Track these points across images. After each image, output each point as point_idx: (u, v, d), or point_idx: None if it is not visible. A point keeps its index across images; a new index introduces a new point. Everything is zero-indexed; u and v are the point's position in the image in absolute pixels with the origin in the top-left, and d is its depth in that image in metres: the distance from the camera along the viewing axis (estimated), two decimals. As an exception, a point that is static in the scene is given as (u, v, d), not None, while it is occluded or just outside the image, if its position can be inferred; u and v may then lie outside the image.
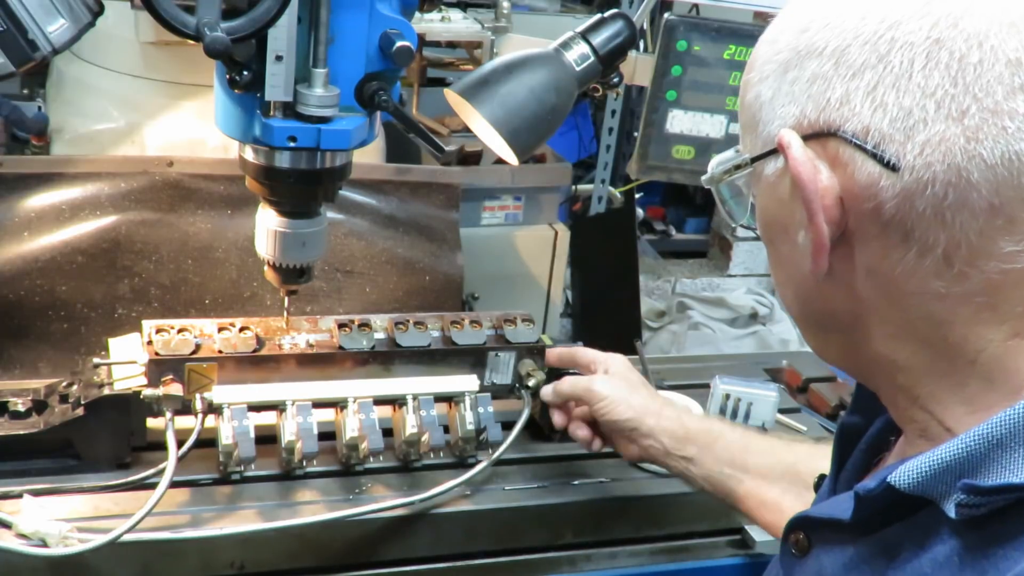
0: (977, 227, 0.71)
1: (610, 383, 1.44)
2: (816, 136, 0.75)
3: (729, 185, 0.88)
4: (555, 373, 1.59)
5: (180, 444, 1.37)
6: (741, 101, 0.84)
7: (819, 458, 1.24)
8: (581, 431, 1.48)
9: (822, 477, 1.00)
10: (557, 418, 1.51)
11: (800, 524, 0.88)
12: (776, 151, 0.77)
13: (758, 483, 1.32)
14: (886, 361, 0.79)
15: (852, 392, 0.98)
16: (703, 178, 0.90)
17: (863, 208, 0.73)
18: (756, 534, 1.51)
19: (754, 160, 0.81)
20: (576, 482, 1.55)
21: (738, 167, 0.84)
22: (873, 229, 0.74)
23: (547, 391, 1.51)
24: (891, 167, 0.71)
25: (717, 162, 0.88)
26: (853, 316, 0.79)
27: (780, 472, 1.31)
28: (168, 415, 1.38)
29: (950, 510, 0.70)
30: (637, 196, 3.53)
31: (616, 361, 1.49)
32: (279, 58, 1.18)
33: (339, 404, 1.47)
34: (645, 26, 2.10)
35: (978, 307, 0.73)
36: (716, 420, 1.43)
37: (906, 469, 0.73)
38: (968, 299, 0.73)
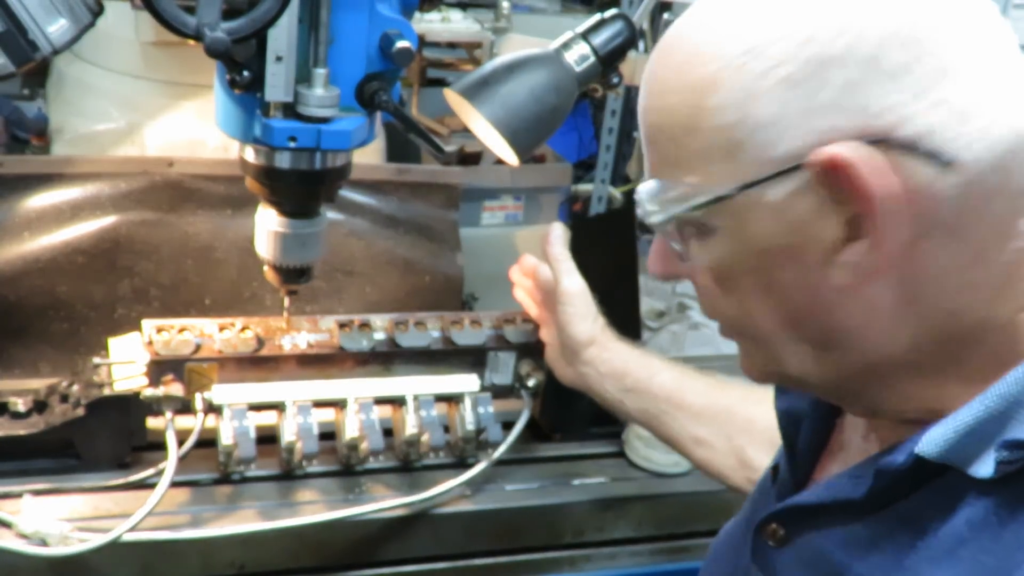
0: (1011, 208, 0.70)
1: (581, 294, 1.45)
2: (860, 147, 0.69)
3: (679, 223, 0.79)
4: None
5: (180, 444, 1.37)
6: (692, 127, 0.75)
7: (752, 402, 1.26)
8: (535, 315, 1.54)
9: (775, 469, 0.96)
10: (518, 294, 1.57)
11: (781, 515, 0.86)
12: (790, 171, 0.71)
13: (692, 422, 1.34)
14: (883, 364, 0.76)
15: None
16: (651, 220, 0.81)
17: (913, 213, 0.69)
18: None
19: (751, 185, 0.73)
20: (576, 482, 1.55)
21: (720, 199, 0.74)
22: (918, 231, 0.70)
23: (516, 268, 1.58)
24: (947, 164, 0.68)
25: (668, 201, 0.78)
26: (863, 327, 0.75)
27: (714, 412, 1.32)
28: (168, 415, 1.39)
29: (981, 470, 0.70)
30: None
31: (576, 277, 1.48)
32: (279, 58, 1.18)
33: (339, 404, 1.47)
34: (645, 26, 2.10)
35: (997, 290, 0.72)
36: (655, 356, 1.43)
37: (931, 438, 0.72)
38: (990, 283, 0.72)
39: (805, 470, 0.91)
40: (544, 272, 1.52)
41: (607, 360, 1.42)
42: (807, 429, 0.92)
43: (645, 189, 0.81)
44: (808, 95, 0.70)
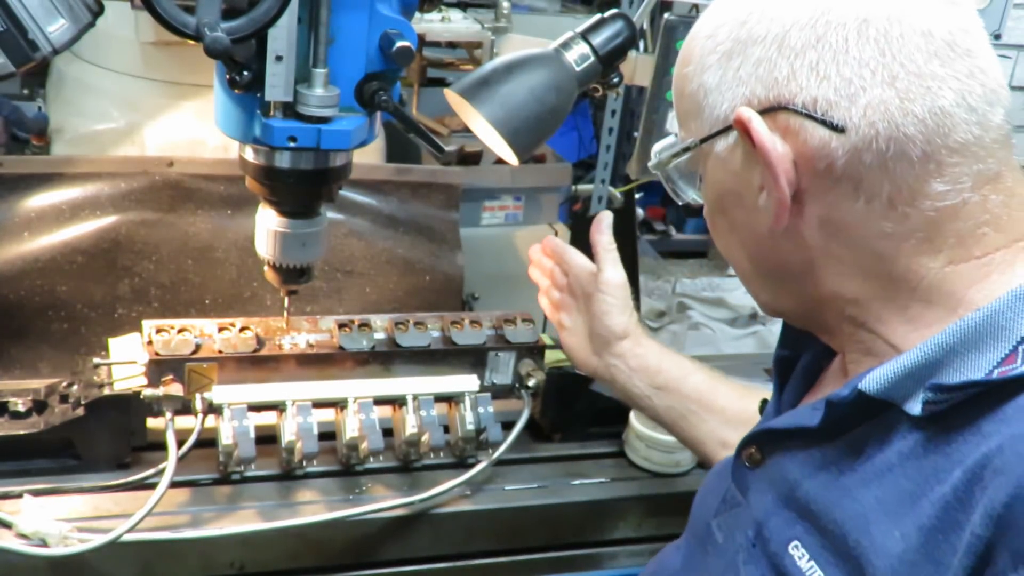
0: (914, 173, 0.83)
1: (623, 286, 1.45)
2: (767, 111, 0.86)
3: (675, 169, 1.00)
4: (554, 371, 1.59)
5: (180, 444, 1.37)
6: (681, 92, 0.95)
7: None
8: (553, 298, 1.53)
9: (764, 402, 1.14)
10: (534, 273, 1.57)
11: (758, 438, 1.00)
12: (727, 129, 0.89)
13: (722, 425, 1.35)
14: (836, 298, 0.91)
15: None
16: (650, 164, 1.02)
17: (816, 168, 0.85)
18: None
19: (704, 140, 0.92)
20: (576, 482, 1.55)
21: (686, 149, 0.95)
22: (825, 184, 0.86)
23: (538, 247, 1.56)
24: (839, 129, 0.83)
25: (660, 148, 1.00)
26: (805, 263, 0.90)
27: (745, 418, 1.31)
28: (168, 415, 1.39)
29: (913, 409, 0.83)
30: (637, 196, 3.52)
31: (620, 268, 1.47)
32: (279, 58, 1.18)
33: (339, 404, 1.47)
34: (645, 26, 2.10)
35: (918, 241, 0.85)
36: (687, 358, 1.44)
37: (873, 377, 0.85)
38: (909, 236, 0.85)
39: (787, 407, 1.05)
40: (576, 258, 1.51)
41: (640, 355, 1.42)
42: (798, 373, 1.07)
43: (660, 143, 1.01)
44: (735, 68, 0.88)
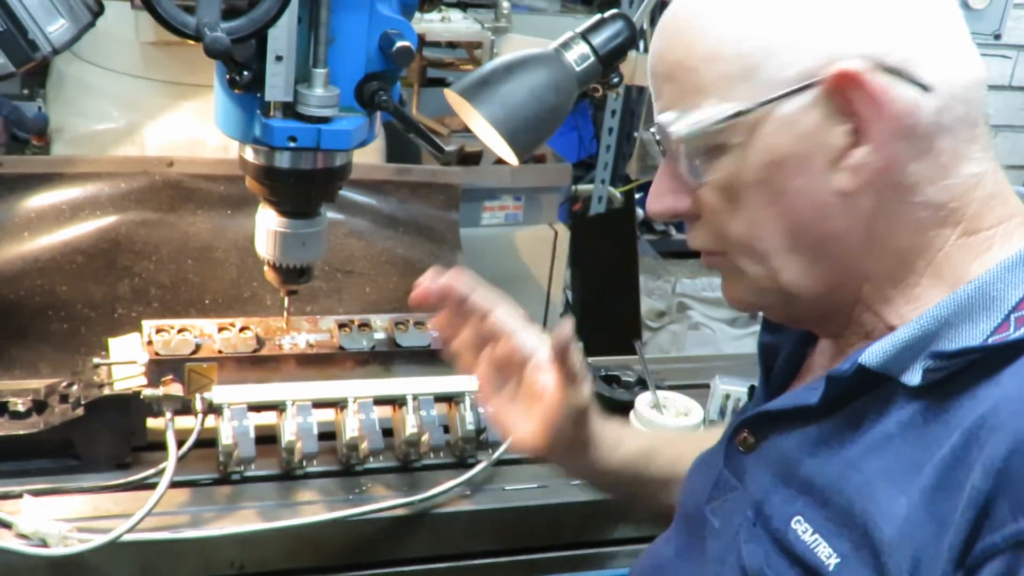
0: (968, 136, 0.86)
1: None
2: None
3: (697, 144, 0.91)
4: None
5: (180, 444, 1.37)
6: (715, 56, 0.88)
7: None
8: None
9: (752, 388, 1.15)
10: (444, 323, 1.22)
11: (751, 422, 1.00)
12: (802, 89, 0.85)
13: (663, 491, 1.24)
14: (859, 275, 0.91)
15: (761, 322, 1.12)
16: (673, 135, 0.91)
17: (901, 127, 0.84)
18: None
19: (769, 102, 0.86)
20: (576, 482, 1.55)
21: (738, 114, 0.88)
22: (903, 145, 0.85)
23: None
24: (927, 89, 0.84)
25: (694, 120, 0.90)
26: (849, 235, 0.89)
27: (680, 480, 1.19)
28: (168, 415, 1.39)
29: (912, 379, 0.84)
30: (637, 196, 3.53)
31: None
32: (279, 58, 1.18)
33: (339, 404, 1.47)
34: (645, 26, 2.10)
35: (950, 211, 0.87)
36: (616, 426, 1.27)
37: (872, 351, 0.86)
38: (945, 205, 0.87)
39: (776, 392, 1.05)
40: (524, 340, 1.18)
41: (606, 430, 1.23)
42: (783, 359, 1.08)
43: (663, 118, 0.93)
44: (814, 23, 0.85)
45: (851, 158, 0.86)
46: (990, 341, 0.82)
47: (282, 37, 1.17)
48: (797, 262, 0.92)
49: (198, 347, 1.43)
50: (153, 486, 1.32)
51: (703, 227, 0.97)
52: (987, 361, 0.81)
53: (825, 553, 0.86)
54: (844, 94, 0.84)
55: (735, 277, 0.97)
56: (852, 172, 0.86)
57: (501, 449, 1.51)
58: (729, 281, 0.99)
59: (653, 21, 2.13)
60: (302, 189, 1.33)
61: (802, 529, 0.89)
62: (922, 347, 0.85)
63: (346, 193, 1.79)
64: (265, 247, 1.39)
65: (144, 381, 1.40)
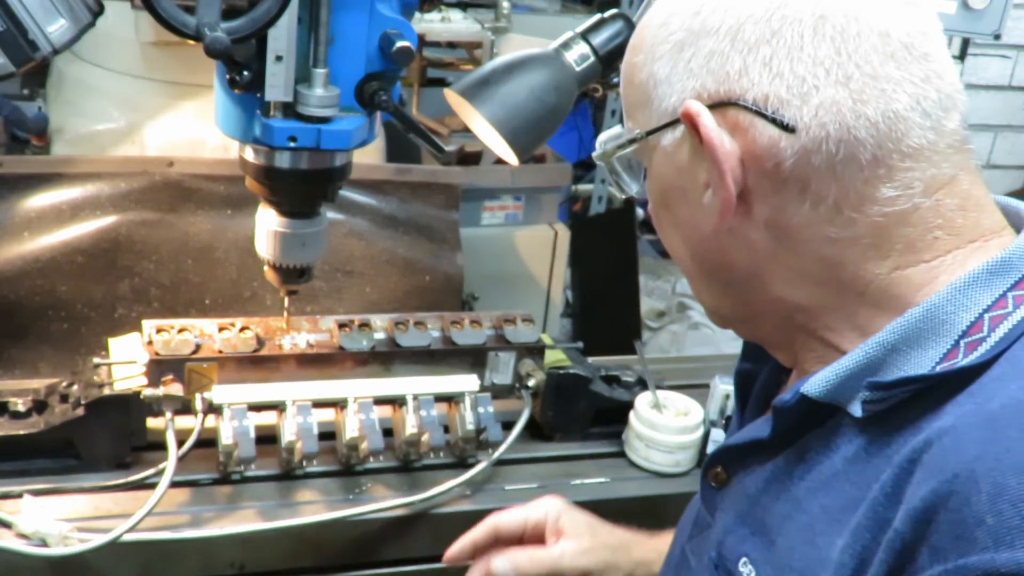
0: (863, 177, 0.80)
1: (579, 549, 1.25)
2: (717, 106, 0.82)
3: (619, 160, 0.96)
4: (554, 371, 1.59)
5: (180, 444, 1.37)
6: (629, 81, 0.91)
7: None
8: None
9: (728, 419, 1.11)
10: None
11: (720, 457, 0.97)
12: (674, 123, 0.85)
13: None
14: (783, 303, 0.87)
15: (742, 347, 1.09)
16: (594, 155, 0.97)
17: (763, 167, 0.82)
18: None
19: (650, 133, 0.88)
20: (576, 482, 1.55)
21: (632, 141, 0.91)
22: (772, 185, 0.82)
23: (503, 567, 1.23)
24: (789, 129, 0.80)
25: (606, 139, 0.95)
26: (750, 266, 0.87)
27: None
28: (168, 415, 1.39)
29: (856, 410, 0.81)
30: (637, 196, 3.52)
31: (556, 508, 1.29)
32: (279, 58, 1.18)
33: (339, 404, 1.47)
34: (645, 26, 2.09)
35: (865, 247, 0.82)
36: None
37: (815, 380, 0.83)
38: (856, 241, 0.82)
39: (749, 423, 1.00)
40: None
41: (641, 560, 1.26)
42: (758, 387, 1.05)
43: (605, 133, 0.96)
44: (686, 59, 0.84)
45: (705, 196, 0.85)
46: (937, 369, 0.77)
47: (282, 37, 1.17)
48: (710, 286, 0.94)
49: (198, 347, 1.43)
50: (153, 486, 1.32)
51: None
52: (934, 391, 0.77)
53: None
54: (695, 132, 0.83)
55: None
56: (709, 210, 0.85)
57: (501, 449, 1.51)
58: None
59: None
60: (302, 189, 1.33)
61: (747, 572, 0.87)
62: (867, 376, 0.81)
63: (346, 193, 1.79)
64: (265, 247, 1.39)
65: (144, 381, 1.40)
